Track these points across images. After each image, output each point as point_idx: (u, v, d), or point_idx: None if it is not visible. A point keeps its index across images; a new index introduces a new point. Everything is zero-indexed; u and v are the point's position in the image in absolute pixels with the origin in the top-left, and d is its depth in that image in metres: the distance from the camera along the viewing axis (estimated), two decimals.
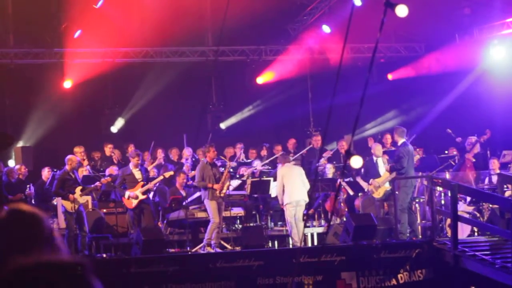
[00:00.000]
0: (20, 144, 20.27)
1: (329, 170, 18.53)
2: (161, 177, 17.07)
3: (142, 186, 16.31)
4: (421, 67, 22.55)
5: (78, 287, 2.35)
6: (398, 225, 15.97)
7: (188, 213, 16.42)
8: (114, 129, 21.85)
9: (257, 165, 19.05)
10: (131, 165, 16.57)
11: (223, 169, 16.38)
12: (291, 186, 16.13)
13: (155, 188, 17.25)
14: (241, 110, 22.86)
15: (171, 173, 17.40)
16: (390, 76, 23.01)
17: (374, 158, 17.34)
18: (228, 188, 16.13)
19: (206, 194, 15.82)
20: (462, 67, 21.10)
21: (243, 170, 18.53)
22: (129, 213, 16.49)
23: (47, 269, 2.37)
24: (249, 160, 19.78)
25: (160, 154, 19.24)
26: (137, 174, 16.47)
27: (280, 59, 22.70)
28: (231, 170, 17.62)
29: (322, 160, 18.78)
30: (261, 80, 22.87)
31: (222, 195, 15.83)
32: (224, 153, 19.69)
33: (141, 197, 16.25)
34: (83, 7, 20.01)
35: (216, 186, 15.74)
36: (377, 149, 17.48)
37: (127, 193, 16.22)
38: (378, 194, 17.10)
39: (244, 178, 17.89)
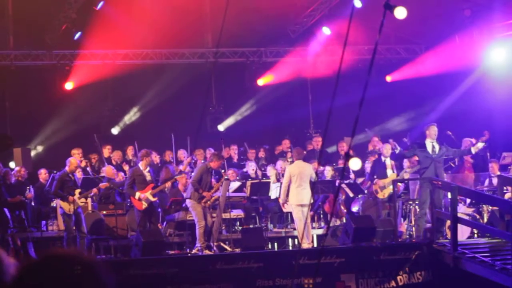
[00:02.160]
0: (19, 146, 20.26)
1: (328, 173, 18.49)
2: (173, 179, 17.03)
3: (153, 188, 16.23)
4: (420, 69, 22.54)
5: (77, 286, 2.35)
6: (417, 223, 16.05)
7: (188, 215, 16.41)
8: (115, 131, 21.86)
9: (251, 166, 18.95)
10: (141, 165, 16.34)
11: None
12: (298, 187, 16.06)
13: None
14: (240, 112, 22.85)
15: (184, 176, 17.30)
16: (389, 78, 23.00)
17: (383, 158, 17.36)
18: (213, 201, 16.12)
19: (193, 195, 15.79)
20: (462, 69, 21.08)
21: (229, 174, 18.04)
22: (136, 213, 16.33)
23: (43, 269, 2.36)
24: (242, 163, 19.69)
25: (155, 156, 19.24)
26: (148, 176, 16.32)
27: (280, 61, 22.71)
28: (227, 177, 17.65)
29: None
30: (261, 82, 22.87)
31: (206, 205, 15.87)
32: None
33: (152, 199, 16.19)
34: (83, 8, 20.02)
35: (205, 194, 15.75)
36: (385, 148, 17.49)
37: (138, 194, 16.09)
38: (382, 195, 17.11)
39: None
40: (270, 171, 18.67)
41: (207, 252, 15.52)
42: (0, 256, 2.74)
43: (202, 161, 17.92)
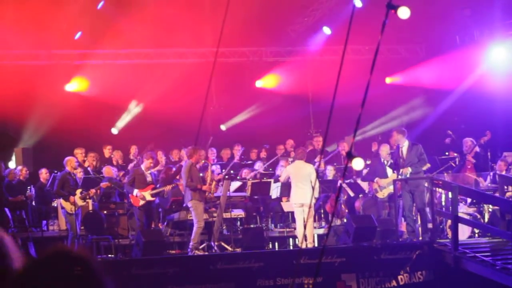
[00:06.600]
0: (20, 145, 20.26)
1: (330, 172, 18.49)
2: (174, 185, 17.04)
3: (152, 189, 16.40)
4: (421, 68, 22.51)
5: (76, 285, 2.35)
6: (416, 225, 15.98)
7: (188, 215, 16.42)
8: (115, 130, 21.84)
9: (259, 167, 18.99)
10: (143, 166, 16.74)
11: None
12: (298, 187, 16.04)
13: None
14: (241, 111, 22.83)
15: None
16: (389, 80, 22.95)
17: (382, 158, 17.38)
18: (216, 189, 16.18)
19: (194, 196, 15.75)
20: (463, 68, 21.08)
21: (245, 173, 18.42)
22: (135, 212, 16.49)
23: (44, 267, 2.36)
24: (250, 162, 19.74)
25: (160, 156, 19.21)
26: (148, 177, 16.64)
27: (280, 60, 22.69)
28: (232, 172, 17.67)
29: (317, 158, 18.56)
30: (261, 81, 22.86)
31: (211, 196, 15.92)
32: (221, 154, 19.72)
33: (150, 198, 16.35)
34: (83, 8, 20.01)
35: (205, 187, 15.77)
36: (383, 149, 17.51)
37: (136, 191, 16.32)
38: (382, 195, 17.12)
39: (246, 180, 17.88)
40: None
41: (197, 252, 15.41)
42: (5, 242, 2.74)
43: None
